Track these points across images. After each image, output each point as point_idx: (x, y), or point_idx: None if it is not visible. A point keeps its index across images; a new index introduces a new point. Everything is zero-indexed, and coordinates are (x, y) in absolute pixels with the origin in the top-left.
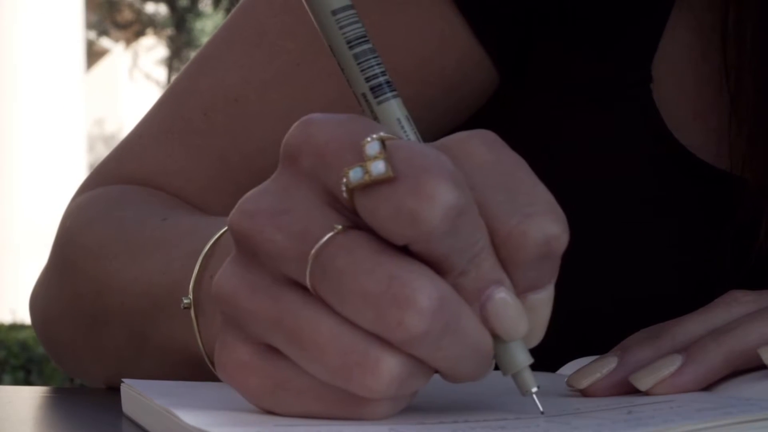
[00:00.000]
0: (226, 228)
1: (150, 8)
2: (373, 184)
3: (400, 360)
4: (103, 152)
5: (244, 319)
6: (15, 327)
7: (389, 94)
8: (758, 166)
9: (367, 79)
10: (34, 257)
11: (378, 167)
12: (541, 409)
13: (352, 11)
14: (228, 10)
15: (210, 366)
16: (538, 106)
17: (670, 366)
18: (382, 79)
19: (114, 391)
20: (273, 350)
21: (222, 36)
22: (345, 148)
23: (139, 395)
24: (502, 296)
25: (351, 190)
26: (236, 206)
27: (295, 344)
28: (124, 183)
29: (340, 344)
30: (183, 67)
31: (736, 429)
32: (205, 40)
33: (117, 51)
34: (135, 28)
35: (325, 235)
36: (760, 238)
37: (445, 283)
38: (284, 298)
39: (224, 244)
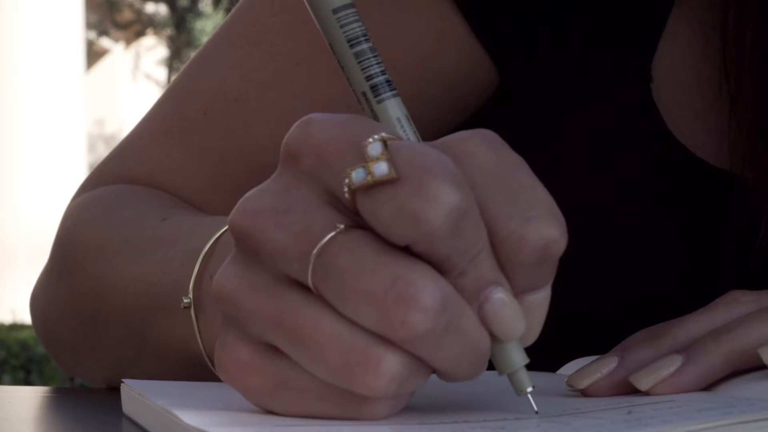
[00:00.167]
0: (226, 228)
1: (150, 8)
2: (375, 185)
3: (402, 358)
4: (103, 152)
5: (245, 318)
6: (15, 327)
7: (389, 93)
8: (758, 165)
9: (367, 78)
10: (34, 257)
11: (381, 168)
12: (535, 408)
13: (352, 10)
14: (228, 10)
15: (210, 366)
16: (538, 105)
17: (670, 366)
18: (382, 78)
19: (114, 391)
20: (273, 350)
21: (222, 36)
22: (346, 148)
23: (139, 395)
24: (500, 297)
25: (353, 191)
26: (237, 205)
27: (296, 343)
28: (124, 183)
29: (341, 343)
30: (183, 67)
31: (736, 429)
32: (205, 40)
33: (117, 51)
34: (135, 28)
35: (326, 234)
36: (760, 238)
37: (447, 283)
38: (285, 297)
39: (224, 243)
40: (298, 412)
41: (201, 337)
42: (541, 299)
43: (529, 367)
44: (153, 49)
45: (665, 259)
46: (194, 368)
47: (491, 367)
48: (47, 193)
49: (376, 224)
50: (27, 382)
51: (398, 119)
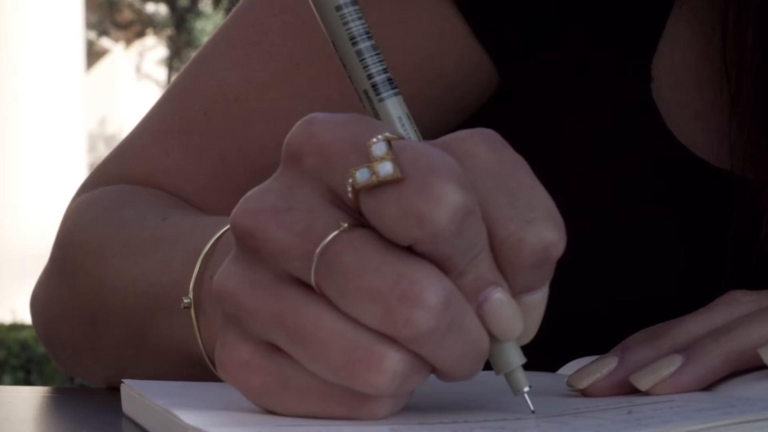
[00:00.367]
0: (226, 227)
1: (150, 8)
2: (380, 185)
3: (404, 357)
4: (103, 152)
5: (246, 317)
6: (15, 327)
7: (390, 92)
8: (759, 165)
9: (369, 76)
10: (35, 257)
11: (386, 168)
12: (532, 408)
13: (355, 7)
14: (228, 10)
15: (210, 366)
16: (537, 105)
17: (670, 366)
18: (384, 76)
19: (114, 391)
20: (274, 349)
21: (222, 36)
22: (348, 148)
23: (139, 395)
24: (499, 297)
25: (357, 191)
26: (239, 204)
27: (298, 342)
28: (124, 183)
29: (343, 341)
30: (183, 67)
31: (736, 429)
32: (205, 40)
33: (117, 51)
34: (135, 28)
35: (330, 232)
36: (760, 239)
37: (450, 282)
38: (286, 296)
39: (225, 243)
40: (299, 411)
41: (201, 337)
42: (538, 299)
43: (529, 367)
44: (153, 49)
45: (665, 259)
46: (194, 368)
47: (488, 367)
48: (47, 194)
49: (379, 224)
50: (27, 382)
51: (399, 118)
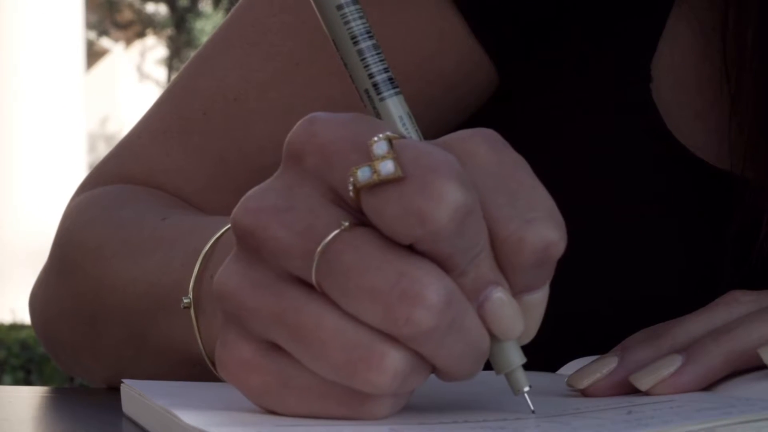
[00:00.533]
0: (226, 227)
1: (150, 8)
2: (381, 184)
3: (404, 355)
4: (103, 152)
5: (246, 316)
6: (15, 327)
7: (391, 91)
8: (759, 165)
9: (370, 76)
10: (34, 257)
11: (387, 167)
12: (532, 408)
13: (356, 6)
14: (228, 10)
15: (210, 366)
16: (537, 105)
17: (670, 366)
18: (385, 75)
19: (114, 391)
20: (275, 348)
21: (221, 35)
22: (349, 147)
23: (139, 395)
24: (500, 296)
25: (358, 190)
26: (239, 203)
27: (298, 341)
28: (123, 182)
29: (344, 340)
30: (182, 67)
31: (736, 429)
32: (205, 40)
33: (117, 51)
34: (135, 28)
35: (331, 231)
36: (760, 239)
37: (451, 281)
38: (287, 295)
39: (224, 243)
40: (299, 411)
41: (201, 337)
42: (538, 299)
43: (529, 367)
44: (153, 49)
45: (665, 259)
46: (194, 368)
47: (488, 367)
48: (47, 193)
49: (381, 223)
50: (27, 382)
51: (400, 117)
